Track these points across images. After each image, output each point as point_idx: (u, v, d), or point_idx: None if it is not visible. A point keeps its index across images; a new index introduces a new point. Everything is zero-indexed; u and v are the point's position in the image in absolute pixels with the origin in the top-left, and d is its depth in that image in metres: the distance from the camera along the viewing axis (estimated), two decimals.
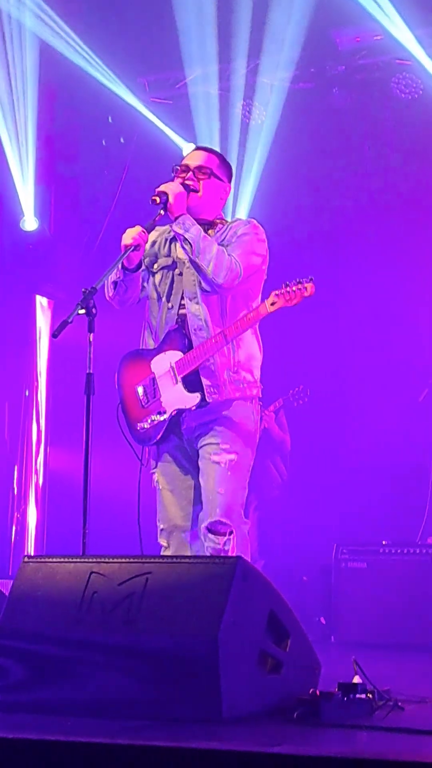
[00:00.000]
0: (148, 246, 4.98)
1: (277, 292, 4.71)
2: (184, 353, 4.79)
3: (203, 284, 4.79)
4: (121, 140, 9.28)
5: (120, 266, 4.78)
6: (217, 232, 4.92)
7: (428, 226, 8.63)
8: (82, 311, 4.51)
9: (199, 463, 4.81)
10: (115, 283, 4.87)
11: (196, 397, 4.75)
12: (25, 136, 8.71)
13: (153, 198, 4.78)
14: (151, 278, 5.00)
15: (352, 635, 7.05)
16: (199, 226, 4.79)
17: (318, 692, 3.67)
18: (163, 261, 4.98)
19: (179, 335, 4.84)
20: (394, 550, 7.24)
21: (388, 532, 7.65)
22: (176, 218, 4.78)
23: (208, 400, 4.75)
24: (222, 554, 4.59)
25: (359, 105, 8.70)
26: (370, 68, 8.56)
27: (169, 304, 4.90)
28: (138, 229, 4.75)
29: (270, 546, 8.07)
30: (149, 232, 4.83)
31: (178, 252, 4.93)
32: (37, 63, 8.53)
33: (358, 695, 3.72)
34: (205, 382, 4.77)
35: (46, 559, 4.12)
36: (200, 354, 4.75)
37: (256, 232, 4.90)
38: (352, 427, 8.83)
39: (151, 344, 4.96)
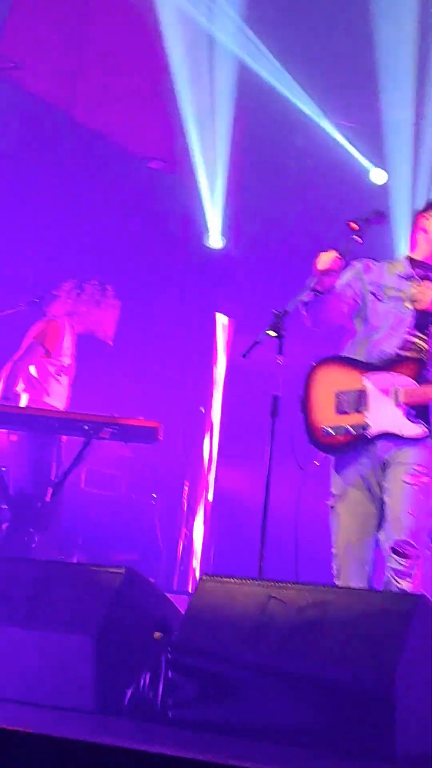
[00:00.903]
0: (368, 274, 4.96)
1: None
2: (417, 383, 4.71)
3: None
4: (309, 163, 9.28)
5: (311, 289, 4.73)
6: None
7: None
8: (273, 333, 4.50)
9: (387, 484, 4.71)
10: (305, 304, 4.80)
11: (419, 429, 4.67)
12: (215, 154, 8.80)
13: (349, 223, 4.72)
14: (377, 305, 4.92)
15: None
16: None
17: None
18: (392, 292, 4.91)
19: (411, 363, 4.75)
20: None
21: None
22: None
23: None
24: (407, 577, 4.53)
25: None
26: None
27: (397, 333, 4.82)
28: (333, 254, 4.66)
29: None
30: (344, 258, 4.73)
31: (411, 292, 4.89)
32: (234, 82, 8.62)
33: None
34: None
35: (225, 579, 4.12)
36: None
37: None
38: None
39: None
